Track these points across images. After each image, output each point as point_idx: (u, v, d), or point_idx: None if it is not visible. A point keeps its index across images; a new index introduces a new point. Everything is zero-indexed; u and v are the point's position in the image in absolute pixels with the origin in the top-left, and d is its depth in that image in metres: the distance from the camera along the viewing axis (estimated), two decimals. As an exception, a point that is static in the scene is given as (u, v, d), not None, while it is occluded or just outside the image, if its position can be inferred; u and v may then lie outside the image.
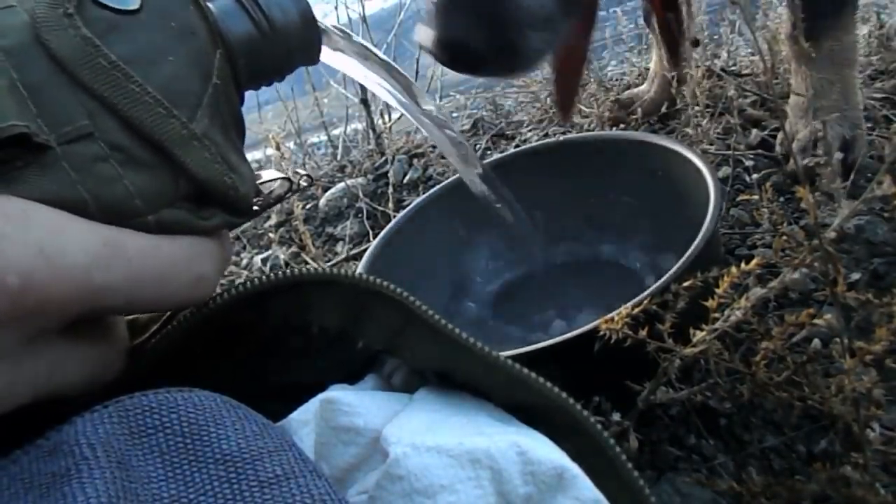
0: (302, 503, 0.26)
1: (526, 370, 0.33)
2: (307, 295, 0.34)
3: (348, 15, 2.05)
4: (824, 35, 0.90)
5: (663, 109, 1.24)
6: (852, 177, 0.82)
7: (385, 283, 0.33)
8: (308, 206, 1.54)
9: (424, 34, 0.53)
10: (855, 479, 0.49)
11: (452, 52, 0.51)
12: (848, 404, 0.50)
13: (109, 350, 0.31)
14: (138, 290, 0.28)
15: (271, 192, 0.39)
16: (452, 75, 2.17)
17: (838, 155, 0.87)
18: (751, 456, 0.63)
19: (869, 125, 0.97)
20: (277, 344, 0.35)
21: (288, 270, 0.33)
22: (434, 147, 1.58)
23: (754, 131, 1.10)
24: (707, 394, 0.62)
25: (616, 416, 0.57)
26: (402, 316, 0.34)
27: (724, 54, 1.52)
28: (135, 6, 0.29)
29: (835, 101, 0.93)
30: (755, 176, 0.99)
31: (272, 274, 0.33)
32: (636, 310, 0.54)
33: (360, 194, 1.44)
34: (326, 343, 0.35)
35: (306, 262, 1.30)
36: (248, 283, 0.33)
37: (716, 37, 1.55)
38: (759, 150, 1.06)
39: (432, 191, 0.98)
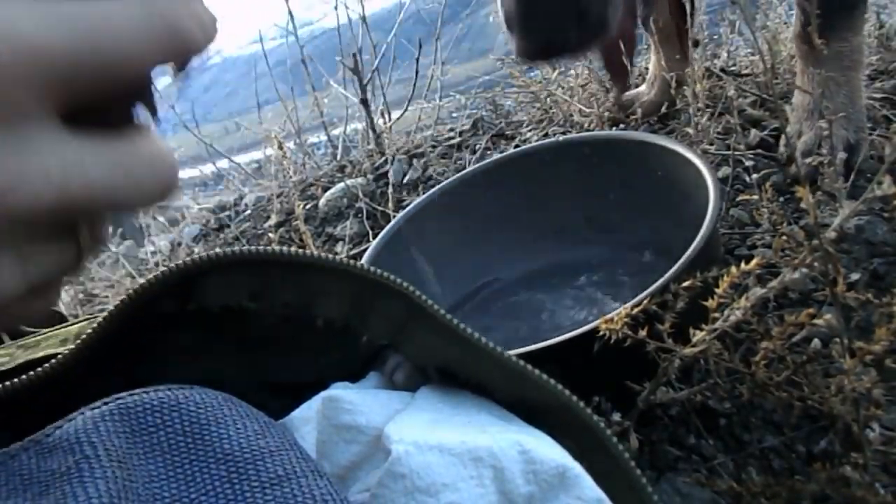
0: (303, 503, 0.26)
1: (529, 366, 0.33)
2: (313, 285, 0.34)
3: (348, 15, 2.05)
4: (833, 35, 0.90)
5: (663, 110, 1.24)
6: (852, 178, 0.83)
7: (391, 276, 0.33)
8: (308, 206, 1.53)
9: (514, 44, 0.58)
10: (855, 479, 0.49)
11: (546, 54, 0.57)
12: (848, 404, 0.50)
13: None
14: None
15: None
16: (452, 75, 2.17)
17: (842, 155, 0.87)
18: (750, 456, 0.63)
19: (869, 125, 0.97)
20: (280, 340, 0.35)
21: (299, 251, 0.33)
22: (434, 147, 1.58)
23: (754, 131, 1.10)
24: (707, 394, 0.62)
25: (616, 416, 0.57)
26: (407, 309, 0.34)
27: (724, 54, 1.52)
28: None
29: (841, 102, 0.93)
30: (755, 176, 0.99)
31: (285, 249, 0.32)
32: (636, 310, 0.54)
33: (360, 194, 1.44)
34: (331, 338, 0.35)
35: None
36: (259, 251, 0.32)
37: (715, 37, 1.55)
38: (759, 150, 1.07)
39: (432, 191, 0.98)
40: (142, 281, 0.32)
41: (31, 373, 0.32)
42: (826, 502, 0.53)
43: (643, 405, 0.57)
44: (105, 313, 0.32)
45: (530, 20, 0.56)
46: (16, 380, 0.31)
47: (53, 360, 0.32)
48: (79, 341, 0.32)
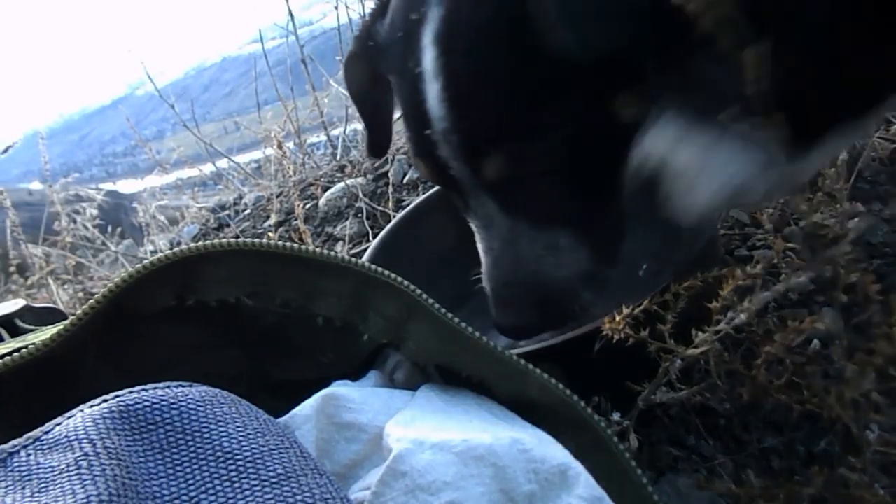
0: (303, 503, 0.26)
1: (530, 365, 0.33)
2: (312, 283, 0.33)
3: (349, 15, 2.05)
4: None
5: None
6: (853, 179, 0.83)
7: (391, 275, 0.33)
8: (308, 206, 1.53)
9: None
10: (853, 480, 0.49)
11: (515, 334, 0.63)
12: (847, 408, 0.50)
13: None
14: None
15: None
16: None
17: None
18: (750, 457, 0.63)
19: (869, 127, 0.97)
20: (280, 338, 0.35)
21: (299, 246, 0.33)
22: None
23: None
24: (706, 395, 0.62)
25: (616, 416, 0.57)
26: (407, 308, 0.34)
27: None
28: None
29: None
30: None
31: (285, 243, 0.32)
32: (636, 310, 0.53)
33: (360, 194, 1.44)
34: (331, 336, 0.35)
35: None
36: (255, 244, 0.32)
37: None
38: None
39: (432, 191, 0.98)
40: (139, 266, 0.32)
41: (16, 353, 0.31)
42: (825, 503, 0.52)
43: (643, 405, 0.57)
44: (93, 298, 0.32)
45: (501, 305, 0.62)
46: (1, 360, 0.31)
47: (38, 341, 0.32)
48: (67, 322, 0.32)
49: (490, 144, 0.51)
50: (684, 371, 0.57)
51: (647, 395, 0.56)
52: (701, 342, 0.52)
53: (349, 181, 1.53)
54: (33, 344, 0.32)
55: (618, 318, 0.53)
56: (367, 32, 0.64)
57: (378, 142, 0.75)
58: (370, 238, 1.28)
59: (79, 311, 0.32)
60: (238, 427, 0.29)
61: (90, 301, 0.32)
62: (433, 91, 0.51)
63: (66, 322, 0.32)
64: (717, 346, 0.54)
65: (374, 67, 0.63)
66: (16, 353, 0.31)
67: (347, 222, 1.40)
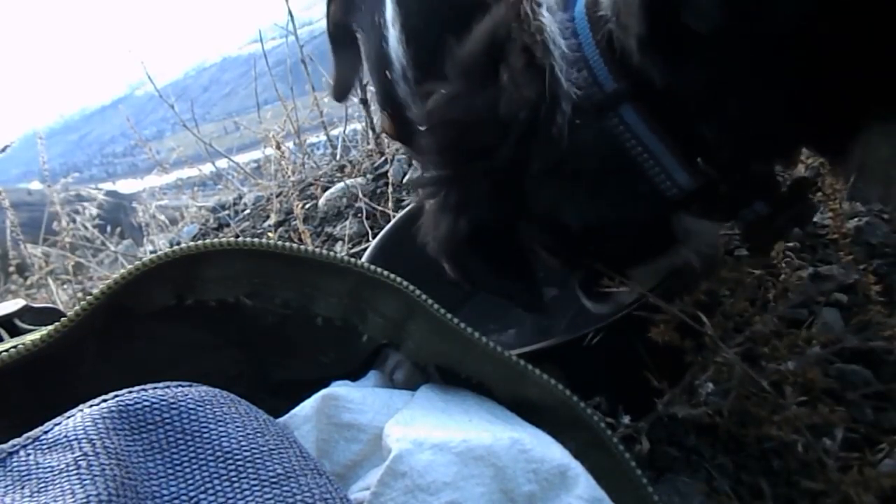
0: (303, 502, 0.26)
1: (530, 366, 0.33)
2: (312, 282, 0.33)
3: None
4: None
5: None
6: (852, 179, 0.82)
7: (390, 275, 0.33)
8: (307, 206, 1.53)
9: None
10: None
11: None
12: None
13: None
14: None
15: None
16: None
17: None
18: (750, 457, 0.63)
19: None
20: (280, 338, 0.35)
21: (298, 246, 0.33)
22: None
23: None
24: (721, 412, 0.60)
25: (626, 420, 0.56)
26: (406, 308, 0.34)
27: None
28: None
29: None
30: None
31: (284, 243, 0.32)
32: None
33: (360, 194, 1.44)
34: (330, 336, 0.35)
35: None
36: (255, 243, 0.32)
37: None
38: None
39: (432, 190, 0.98)
40: (137, 263, 0.32)
41: (13, 349, 0.31)
42: (825, 502, 0.52)
43: (663, 413, 0.56)
44: (91, 295, 0.32)
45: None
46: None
47: (33, 338, 0.31)
48: (64, 319, 0.32)
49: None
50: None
51: (666, 405, 0.55)
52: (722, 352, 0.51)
53: (349, 181, 1.53)
54: (30, 340, 0.32)
55: (662, 326, 0.51)
56: None
57: (344, 83, 0.85)
58: (370, 238, 1.28)
59: (76, 308, 0.32)
60: (238, 427, 0.29)
61: (88, 297, 0.32)
62: (393, 36, 0.62)
63: (63, 319, 0.32)
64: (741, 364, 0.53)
65: (349, 18, 0.74)
66: (13, 349, 0.31)
67: (347, 222, 1.40)
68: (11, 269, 1.80)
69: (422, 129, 0.56)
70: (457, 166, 0.52)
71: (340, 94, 0.89)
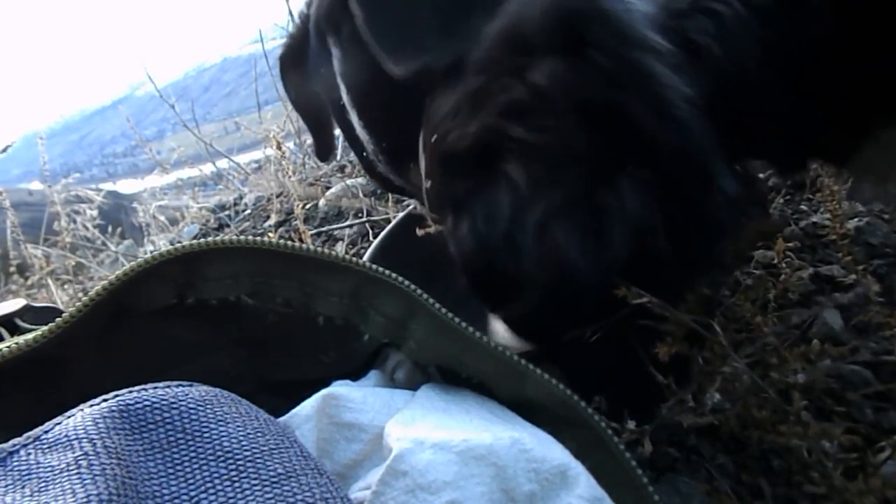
0: (304, 502, 0.26)
1: (530, 365, 0.33)
2: (313, 282, 0.33)
3: (348, 15, 2.05)
4: None
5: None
6: (851, 179, 0.82)
7: (391, 274, 0.33)
8: (308, 206, 1.53)
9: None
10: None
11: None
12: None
13: None
14: None
15: None
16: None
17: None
18: (750, 456, 0.62)
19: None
20: (281, 338, 0.35)
21: (299, 245, 0.33)
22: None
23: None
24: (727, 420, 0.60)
25: (631, 425, 0.56)
26: (407, 307, 0.34)
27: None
28: None
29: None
30: (755, 177, 0.99)
31: (285, 242, 0.32)
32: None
33: (360, 194, 1.44)
34: (331, 336, 0.35)
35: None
36: (254, 241, 0.32)
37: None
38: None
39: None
40: (139, 261, 0.32)
41: (14, 345, 0.31)
42: (826, 502, 0.52)
43: (669, 418, 0.56)
44: (92, 292, 0.32)
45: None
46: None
47: (31, 336, 0.31)
48: (64, 316, 0.32)
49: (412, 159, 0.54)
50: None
51: (670, 412, 0.55)
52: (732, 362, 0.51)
53: (349, 181, 1.53)
54: (30, 337, 0.31)
55: (671, 339, 0.51)
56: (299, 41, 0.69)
57: (324, 145, 0.82)
58: (370, 238, 1.28)
59: (77, 304, 0.32)
60: (238, 427, 0.29)
61: (89, 294, 0.32)
62: (355, 120, 0.58)
63: (63, 316, 0.32)
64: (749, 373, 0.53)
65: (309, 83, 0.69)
66: (13, 346, 0.31)
67: (347, 222, 1.40)
68: (12, 269, 1.79)
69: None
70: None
71: (323, 156, 0.86)
